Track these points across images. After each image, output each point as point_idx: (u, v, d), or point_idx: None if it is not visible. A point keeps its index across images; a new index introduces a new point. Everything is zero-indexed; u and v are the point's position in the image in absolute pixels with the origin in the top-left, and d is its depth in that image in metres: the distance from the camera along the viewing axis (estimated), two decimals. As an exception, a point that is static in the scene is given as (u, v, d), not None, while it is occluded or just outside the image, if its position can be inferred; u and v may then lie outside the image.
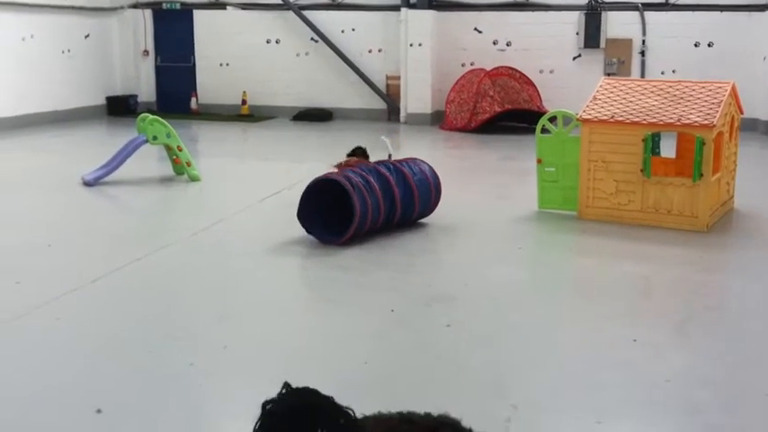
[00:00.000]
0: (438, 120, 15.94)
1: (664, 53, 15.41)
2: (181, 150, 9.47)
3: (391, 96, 16.68)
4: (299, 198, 6.66)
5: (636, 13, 15.51)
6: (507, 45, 16.18)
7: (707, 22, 15.13)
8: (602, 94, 7.78)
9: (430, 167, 7.46)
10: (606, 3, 15.63)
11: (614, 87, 7.84)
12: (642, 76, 15.58)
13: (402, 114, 16.33)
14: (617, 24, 15.58)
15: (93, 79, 16.60)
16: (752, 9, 14.94)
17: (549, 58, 15.94)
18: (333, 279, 5.87)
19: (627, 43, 15.61)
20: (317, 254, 6.40)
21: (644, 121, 7.25)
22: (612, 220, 7.46)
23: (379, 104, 16.86)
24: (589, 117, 7.49)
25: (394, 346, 4.56)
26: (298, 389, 1.89)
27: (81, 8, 15.98)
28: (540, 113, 15.00)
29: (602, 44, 15.66)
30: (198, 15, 17.39)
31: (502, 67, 15.47)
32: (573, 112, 7.91)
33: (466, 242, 6.94)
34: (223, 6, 17.27)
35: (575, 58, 15.95)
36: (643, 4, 15.44)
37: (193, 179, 9.50)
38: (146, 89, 17.83)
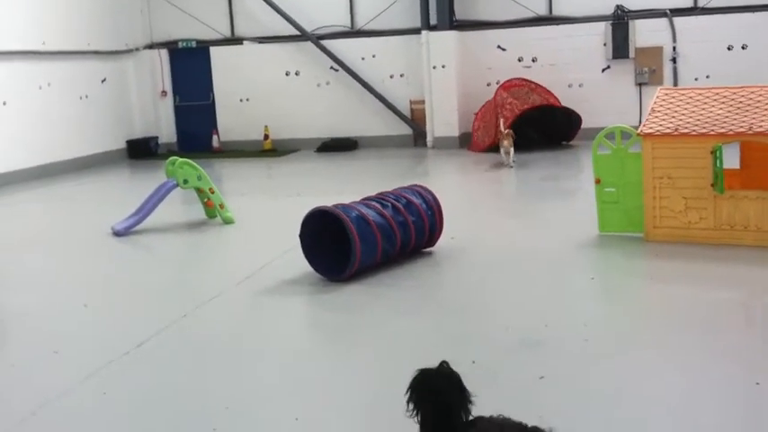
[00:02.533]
0: (466, 142, 15.47)
1: (696, 59, 14.89)
2: (213, 193, 9.05)
3: (416, 121, 16.25)
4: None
5: (664, 20, 15.03)
6: (533, 61, 15.72)
7: (739, 24, 14.61)
8: (661, 105, 7.28)
9: (425, 189, 7.02)
10: (633, 11, 15.16)
11: (672, 98, 7.34)
12: (675, 84, 15.06)
13: (429, 139, 15.88)
14: (645, 32, 15.10)
15: (113, 123, 16.29)
16: (785, 8, 14.43)
17: (578, 71, 15.46)
18: (403, 330, 5.37)
19: (657, 51, 15.11)
20: (385, 304, 5.92)
21: (711, 132, 6.73)
22: (684, 240, 6.93)
23: (405, 130, 16.43)
24: (651, 131, 6.99)
25: (485, 405, 4.04)
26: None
27: (96, 52, 15.70)
28: (557, 107, 14.56)
29: (632, 54, 15.17)
30: (214, 52, 17.08)
31: (515, 78, 15.05)
32: (629, 127, 7.41)
33: (529, 274, 6.42)
34: (239, 41, 16.95)
35: (604, 70, 15.46)
36: (671, 10, 14.95)
37: (227, 222, 9.06)
38: (166, 130, 17.50)
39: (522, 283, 6.17)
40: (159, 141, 17.21)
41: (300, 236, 6.41)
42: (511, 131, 12.67)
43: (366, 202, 6.46)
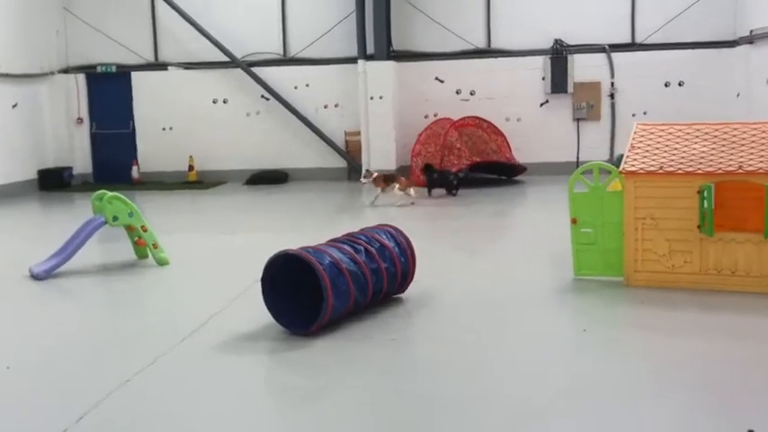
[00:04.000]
0: (403, 175, 14.88)
1: (634, 95, 14.87)
2: (146, 231, 8.15)
3: (351, 153, 15.65)
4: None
5: (603, 55, 14.97)
6: (471, 94, 15.40)
7: (676, 61, 14.69)
8: (640, 141, 6.87)
9: (397, 230, 6.40)
10: (572, 45, 15.04)
11: (651, 134, 6.94)
12: (613, 119, 15.01)
13: (364, 172, 15.25)
14: (584, 67, 15.01)
15: (23, 152, 15.04)
16: (721, 45, 14.56)
17: (516, 105, 15.22)
18: (379, 395, 4.66)
19: (595, 86, 15.03)
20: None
21: (699, 171, 6.34)
22: (666, 286, 6.49)
23: (339, 163, 15.81)
24: (634, 169, 6.55)
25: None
26: None
27: (6, 75, 14.49)
28: (510, 165, 14.29)
29: (570, 88, 15.04)
30: (136, 78, 16.08)
31: (468, 117, 14.66)
32: (606, 163, 6.97)
33: (508, 326, 5.82)
34: (164, 67, 16.02)
35: (542, 105, 15.26)
36: (610, 46, 14.90)
37: (161, 263, 8.17)
38: (81, 160, 16.33)
39: (504, 338, 5.55)
40: (74, 172, 16.02)
41: (262, 281, 5.65)
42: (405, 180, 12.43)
43: (336, 245, 5.76)
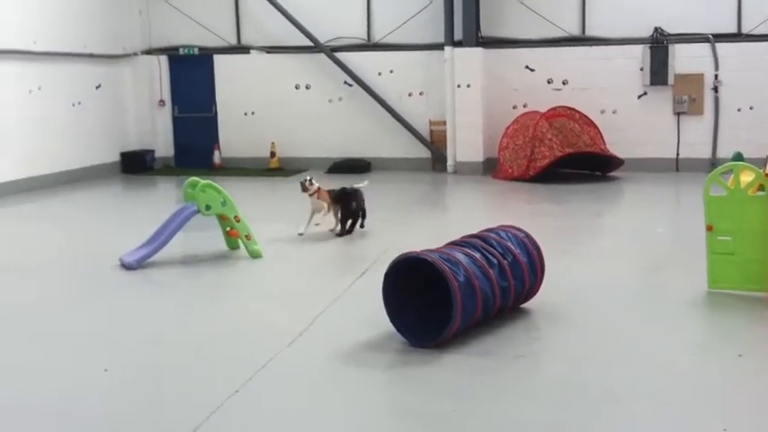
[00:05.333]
0: (490, 168, 14.36)
1: (739, 88, 13.93)
2: (239, 221, 7.80)
3: (435, 144, 15.11)
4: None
5: (706, 45, 14.05)
6: (563, 84, 14.67)
7: (787, 53, 13.70)
8: (789, 142, 6.18)
9: (528, 238, 5.85)
10: (673, 34, 14.18)
11: (801, 133, 6.24)
12: (716, 114, 14.11)
13: (449, 163, 14.74)
14: (686, 58, 14.11)
15: (106, 134, 14.93)
16: (838, 36, 13.54)
17: (611, 97, 14.43)
18: (514, 420, 4.16)
19: (698, 78, 14.13)
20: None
21: None
22: (817, 303, 5.83)
23: (423, 153, 15.28)
24: (784, 172, 5.88)
25: None
26: None
27: (91, 56, 14.37)
28: (604, 157, 13.57)
29: (671, 80, 14.18)
30: (219, 61, 15.80)
31: (559, 107, 13.94)
32: (753, 166, 6.30)
33: (643, 344, 5.23)
34: (246, 50, 15.71)
35: (640, 97, 14.44)
36: (714, 35, 13.99)
37: (254, 255, 7.81)
38: (163, 143, 16.17)
39: (640, 359, 4.95)
40: (156, 155, 15.86)
41: (384, 288, 5.19)
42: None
43: (469, 252, 5.22)
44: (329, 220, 9.09)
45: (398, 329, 5.16)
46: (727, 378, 4.65)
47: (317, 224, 8.98)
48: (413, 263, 5.11)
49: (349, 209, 8.92)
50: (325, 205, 8.98)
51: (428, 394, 4.47)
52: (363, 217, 9.10)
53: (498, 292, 5.17)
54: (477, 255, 5.19)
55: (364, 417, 4.21)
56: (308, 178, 9.12)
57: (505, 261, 5.31)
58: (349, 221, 8.96)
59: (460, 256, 5.08)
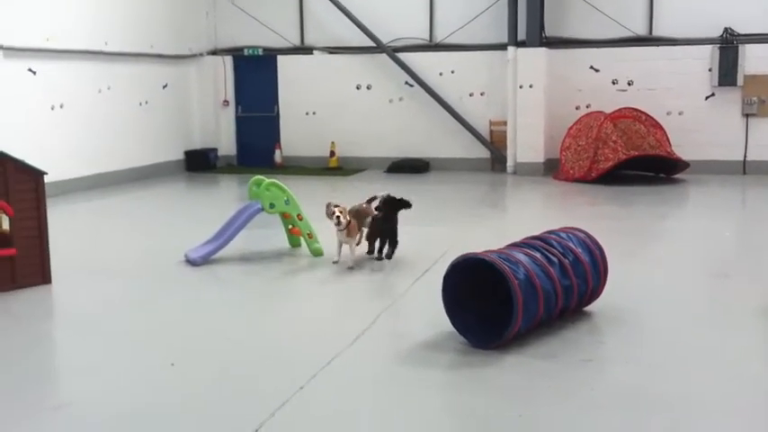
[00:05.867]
0: (551, 169, 14.21)
1: (813, 90, 13.53)
2: (301, 219, 7.88)
3: (495, 144, 15.02)
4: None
5: (779, 46, 13.68)
6: (629, 84, 14.44)
7: None
8: None
9: (590, 238, 5.75)
10: (743, 34, 13.82)
11: None
12: (787, 116, 13.71)
13: (509, 164, 14.64)
14: (756, 58, 13.77)
15: (172, 132, 15.25)
16: None
17: (678, 98, 14.15)
18: (581, 428, 4.11)
19: (768, 80, 13.76)
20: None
21: None
22: None
23: (482, 153, 15.21)
24: None
25: None
26: None
27: (159, 56, 14.68)
28: (670, 160, 13.30)
29: (740, 81, 13.83)
30: (282, 61, 16.00)
31: (625, 108, 13.71)
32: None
33: (715, 351, 5.12)
34: (309, 51, 15.86)
35: (707, 98, 14.12)
36: (787, 35, 13.61)
37: (316, 254, 7.87)
38: (225, 142, 16.44)
39: (713, 366, 4.85)
40: (218, 154, 16.13)
41: (443, 289, 5.19)
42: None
43: (528, 252, 5.19)
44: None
45: (459, 331, 5.14)
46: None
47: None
48: (473, 264, 5.09)
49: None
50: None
51: (490, 397, 4.44)
52: (389, 245, 7.61)
53: (561, 290, 5.11)
54: (538, 254, 5.14)
55: (425, 418, 4.20)
56: (333, 206, 7.33)
57: (566, 260, 5.25)
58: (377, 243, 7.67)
59: (520, 256, 5.04)
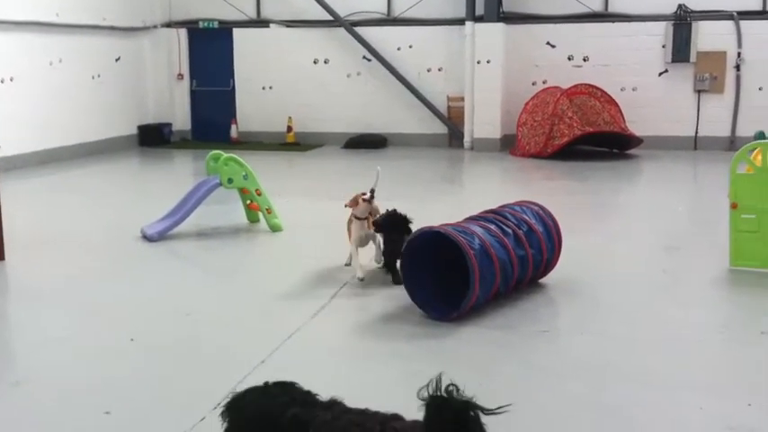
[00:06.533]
0: (507, 145, 14.30)
1: (762, 67, 13.79)
2: (260, 195, 7.83)
3: (453, 120, 15.06)
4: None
5: (730, 23, 13.90)
6: (584, 60, 14.57)
7: (812, 31, 13.53)
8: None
9: (544, 210, 5.86)
10: (696, 11, 14.03)
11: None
12: (737, 92, 13.98)
13: (466, 139, 14.70)
14: (709, 35, 13.98)
15: (125, 107, 14.97)
16: None
17: (632, 74, 14.33)
18: (547, 397, 4.18)
19: (720, 56, 13.99)
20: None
21: None
22: (842, 283, 5.80)
23: (440, 129, 15.24)
24: (811, 151, 5.84)
25: None
26: None
27: (111, 27, 14.37)
28: (624, 136, 13.48)
29: (693, 58, 14.05)
30: (238, 34, 15.78)
31: (580, 84, 13.83)
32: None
33: (666, 320, 5.23)
34: (266, 24, 15.66)
35: (661, 74, 14.33)
36: (738, 13, 13.83)
37: (274, 229, 7.84)
38: (180, 116, 16.20)
39: (663, 335, 4.97)
40: (173, 128, 15.90)
41: (402, 265, 5.22)
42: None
43: (483, 224, 5.25)
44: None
45: (418, 304, 5.19)
46: (751, 355, 4.64)
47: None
48: (430, 238, 5.13)
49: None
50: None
51: (450, 366, 4.48)
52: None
53: (516, 260, 5.18)
54: (492, 226, 5.22)
55: (383, 387, 4.23)
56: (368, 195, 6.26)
57: (521, 231, 5.33)
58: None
59: (475, 228, 5.11)
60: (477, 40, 14.24)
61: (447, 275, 5.29)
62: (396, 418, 2.49)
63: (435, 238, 5.13)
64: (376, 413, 2.52)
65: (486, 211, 5.68)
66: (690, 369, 4.43)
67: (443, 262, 5.29)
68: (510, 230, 5.28)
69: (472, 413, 2.28)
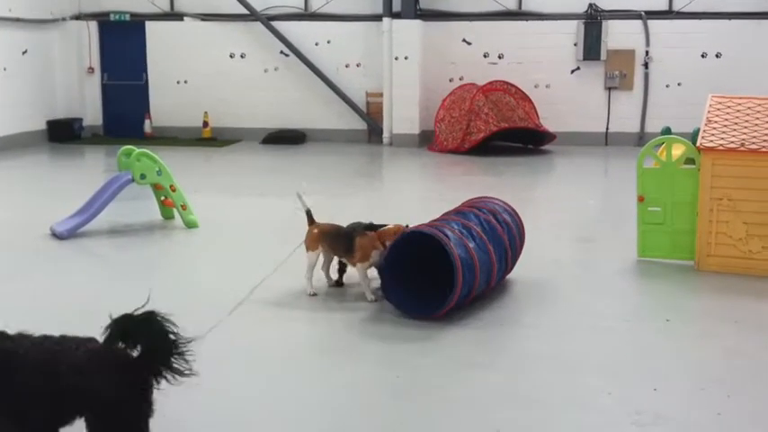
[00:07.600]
0: (426, 141, 14.43)
1: (669, 65, 14.31)
2: (174, 191, 7.67)
3: (372, 116, 15.09)
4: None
5: (638, 22, 14.36)
6: (499, 58, 14.81)
7: (714, 31, 14.10)
8: (717, 116, 6.38)
9: (512, 210, 6.07)
10: (606, 11, 14.44)
11: (729, 108, 6.46)
12: (646, 89, 14.46)
13: (385, 135, 14.75)
14: (618, 34, 14.41)
15: (33, 101, 14.42)
16: (761, 16, 13.98)
17: (545, 71, 14.65)
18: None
19: (629, 54, 14.44)
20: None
21: (785, 150, 5.88)
22: (741, 272, 6.07)
23: (359, 125, 15.24)
24: (712, 145, 6.08)
25: None
26: None
27: (17, 20, 13.83)
28: (537, 132, 13.79)
29: (603, 56, 14.46)
30: (151, 27, 15.41)
31: (496, 81, 14.07)
32: (684, 139, 6.48)
33: (582, 312, 5.39)
34: (180, 17, 15.35)
35: (573, 72, 14.69)
36: (646, 12, 14.30)
37: (190, 225, 7.71)
38: (91, 111, 15.71)
39: (577, 326, 5.11)
40: (84, 124, 15.41)
41: (386, 261, 5.21)
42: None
43: (469, 224, 5.35)
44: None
45: (390, 300, 5.25)
46: (656, 342, 4.81)
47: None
48: (414, 237, 5.21)
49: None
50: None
51: (366, 358, 4.51)
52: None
53: (495, 262, 5.36)
54: (476, 227, 5.37)
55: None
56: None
57: (503, 229, 5.62)
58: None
59: (459, 228, 5.22)
60: (394, 36, 14.30)
61: (422, 269, 5.37)
62: (90, 340, 2.97)
63: (425, 240, 5.17)
64: (74, 337, 2.96)
65: (468, 206, 5.81)
66: (599, 356, 4.57)
67: (422, 256, 5.32)
68: (494, 231, 5.49)
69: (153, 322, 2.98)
